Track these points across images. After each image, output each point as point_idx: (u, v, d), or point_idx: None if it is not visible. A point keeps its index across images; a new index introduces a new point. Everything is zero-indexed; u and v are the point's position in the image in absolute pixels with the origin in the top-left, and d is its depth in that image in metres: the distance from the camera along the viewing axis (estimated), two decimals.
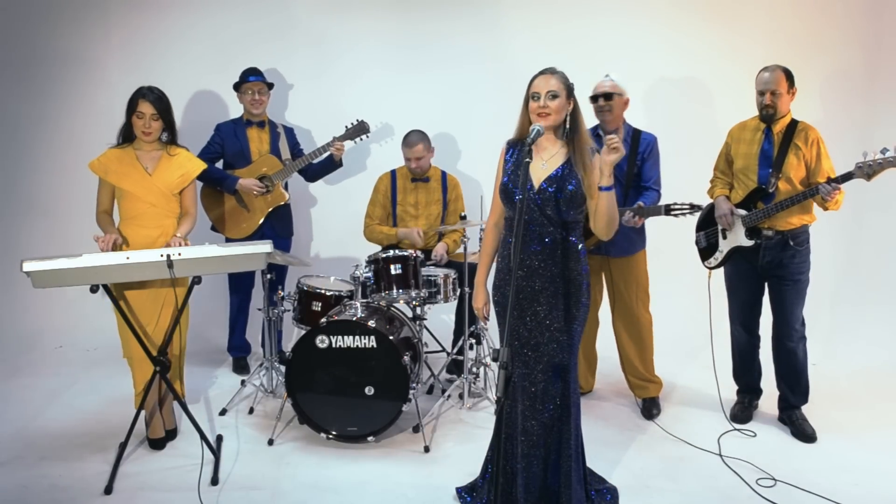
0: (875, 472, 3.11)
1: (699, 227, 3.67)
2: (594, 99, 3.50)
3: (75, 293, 3.44)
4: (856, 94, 4.61)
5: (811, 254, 3.43)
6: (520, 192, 2.22)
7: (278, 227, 4.19)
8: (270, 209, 4.12)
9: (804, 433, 3.43)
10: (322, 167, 4.26)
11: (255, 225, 4.13)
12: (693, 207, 3.37)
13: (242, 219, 4.13)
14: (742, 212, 3.41)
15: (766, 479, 3.02)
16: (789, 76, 3.34)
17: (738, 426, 3.54)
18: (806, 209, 3.35)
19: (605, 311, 3.79)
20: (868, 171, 3.02)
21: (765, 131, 3.40)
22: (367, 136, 4.31)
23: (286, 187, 4.19)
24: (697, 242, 3.68)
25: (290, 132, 4.32)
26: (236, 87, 4.13)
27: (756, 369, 3.67)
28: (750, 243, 3.40)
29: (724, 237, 3.52)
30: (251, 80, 4.08)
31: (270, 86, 4.17)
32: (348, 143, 4.24)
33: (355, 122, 4.25)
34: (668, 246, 4.08)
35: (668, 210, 3.38)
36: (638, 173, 3.54)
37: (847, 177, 3.09)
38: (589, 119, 3.58)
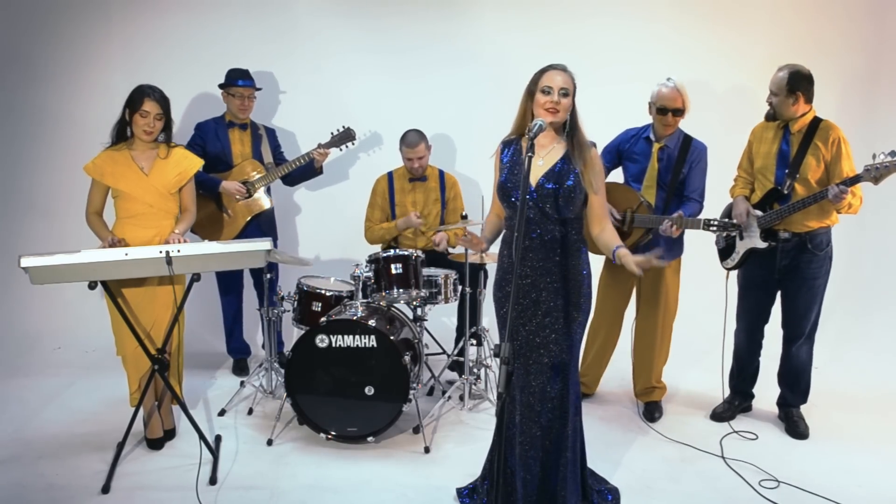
0: (878, 474, 3.10)
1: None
2: (662, 111, 3.38)
3: (74, 294, 3.43)
4: (857, 96, 4.60)
5: (833, 259, 3.35)
6: (518, 190, 2.20)
7: (263, 232, 4.07)
8: (252, 215, 4.05)
9: (796, 431, 3.45)
10: (301, 173, 4.15)
11: (237, 230, 4.04)
12: (733, 226, 3.27)
13: (223, 223, 4.05)
14: (758, 213, 3.33)
15: (768, 481, 3.00)
16: (792, 80, 3.18)
17: (720, 422, 3.56)
18: (824, 211, 3.23)
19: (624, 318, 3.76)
20: (875, 174, 2.93)
21: (784, 131, 3.30)
22: (353, 144, 4.21)
23: (269, 192, 4.12)
24: (717, 242, 3.61)
25: (271, 133, 4.23)
26: (222, 86, 4.06)
27: (751, 374, 3.65)
28: (764, 245, 3.33)
29: (741, 238, 3.43)
30: (241, 85, 4.00)
31: (258, 90, 4.12)
32: (336, 151, 4.14)
33: (341, 129, 4.12)
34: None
35: (707, 225, 3.26)
36: (682, 181, 3.43)
37: (855, 180, 3.02)
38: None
